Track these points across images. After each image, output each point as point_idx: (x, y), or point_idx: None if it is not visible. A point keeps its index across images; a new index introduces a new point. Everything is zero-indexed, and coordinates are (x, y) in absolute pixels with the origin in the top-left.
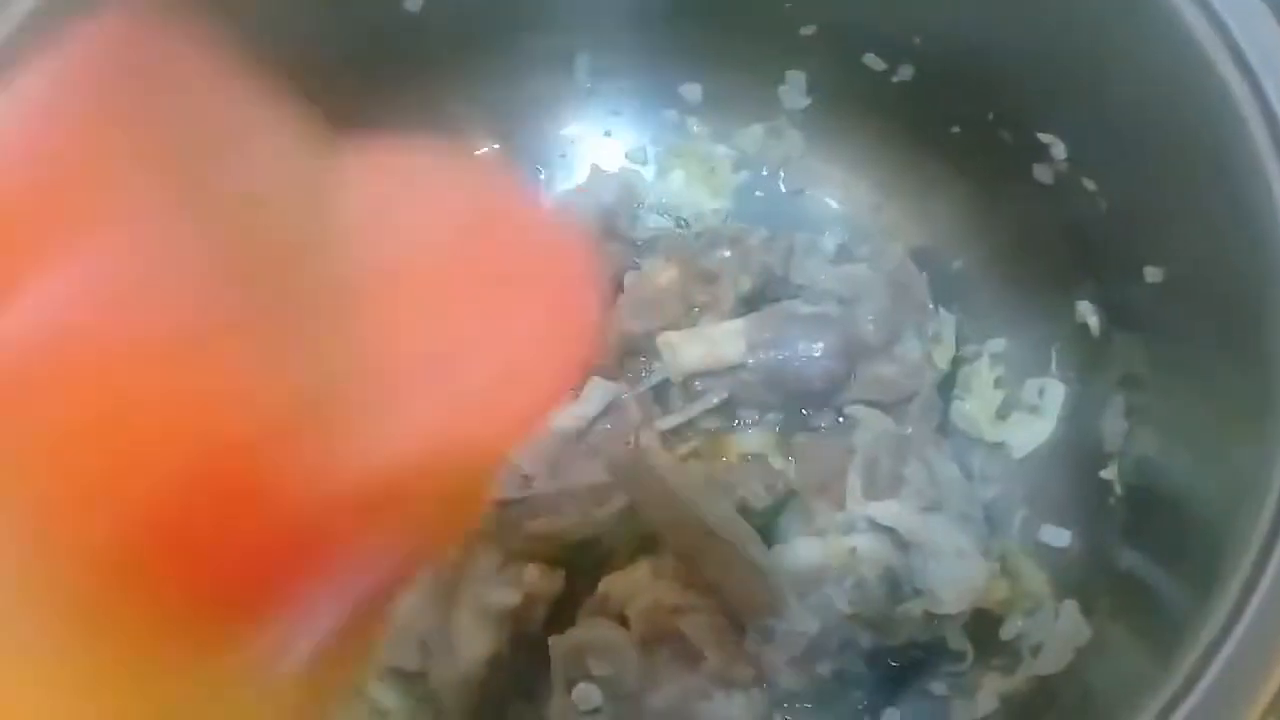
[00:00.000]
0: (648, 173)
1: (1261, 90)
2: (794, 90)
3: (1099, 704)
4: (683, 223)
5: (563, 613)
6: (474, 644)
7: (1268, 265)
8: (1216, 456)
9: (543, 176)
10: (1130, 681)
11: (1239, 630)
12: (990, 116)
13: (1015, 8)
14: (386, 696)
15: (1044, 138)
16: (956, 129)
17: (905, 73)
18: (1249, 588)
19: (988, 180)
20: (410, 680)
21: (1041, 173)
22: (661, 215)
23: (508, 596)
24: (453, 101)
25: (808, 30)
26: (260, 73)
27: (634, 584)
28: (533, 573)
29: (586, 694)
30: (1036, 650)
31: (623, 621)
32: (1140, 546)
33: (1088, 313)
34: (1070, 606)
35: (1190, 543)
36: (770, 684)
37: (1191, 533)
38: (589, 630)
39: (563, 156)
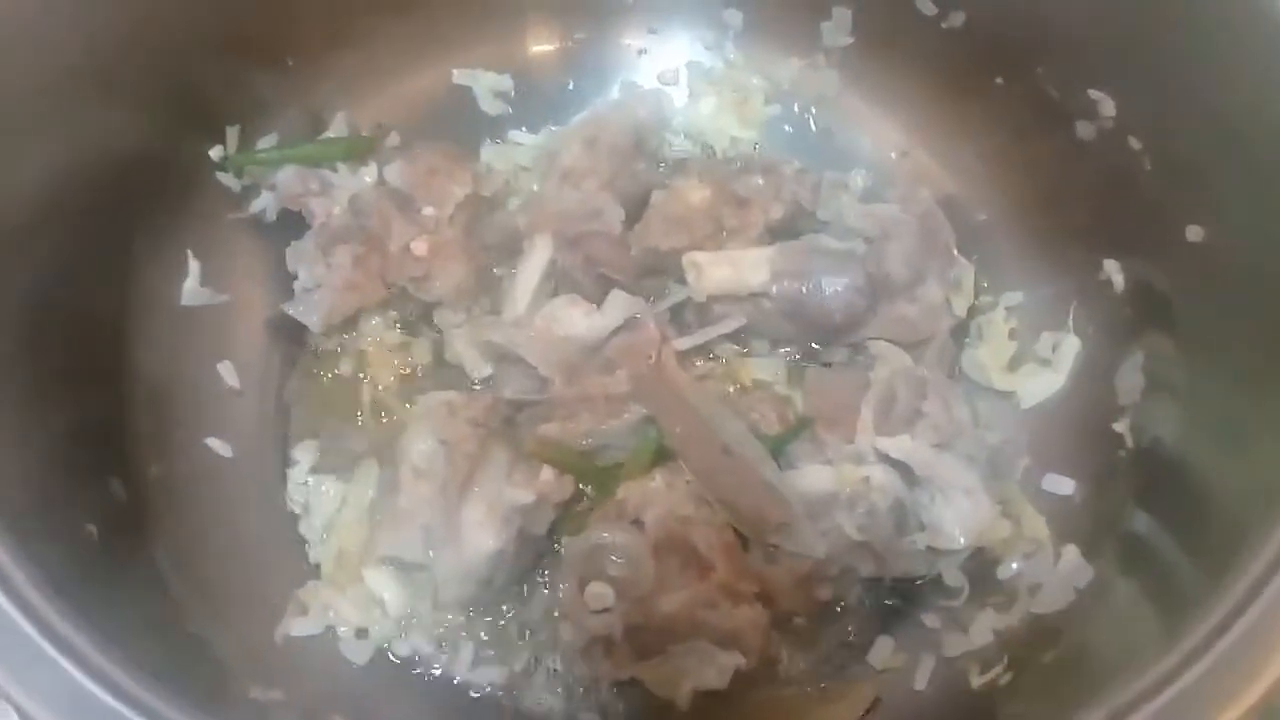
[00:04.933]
0: (678, 95)
1: None
2: (838, 27)
3: (1101, 655)
4: (709, 149)
5: (565, 520)
6: (482, 538)
7: None
8: (1240, 437)
9: (571, 87)
10: (1133, 641)
11: (1247, 619)
12: (1039, 70)
13: None
14: (383, 584)
15: (1093, 94)
16: (1000, 80)
17: (956, 19)
18: (1263, 579)
19: (1024, 134)
20: (408, 570)
21: (1084, 129)
22: (689, 140)
23: (521, 495)
24: None
25: None
26: None
27: (650, 492)
28: (547, 474)
29: (600, 594)
30: (1034, 590)
31: (637, 528)
32: (1152, 511)
33: (1113, 270)
34: (1072, 550)
35: (1207, 520)
36: (772, 602)
37: (1209, 510)
38: (607, 531)
39: (595, 70)
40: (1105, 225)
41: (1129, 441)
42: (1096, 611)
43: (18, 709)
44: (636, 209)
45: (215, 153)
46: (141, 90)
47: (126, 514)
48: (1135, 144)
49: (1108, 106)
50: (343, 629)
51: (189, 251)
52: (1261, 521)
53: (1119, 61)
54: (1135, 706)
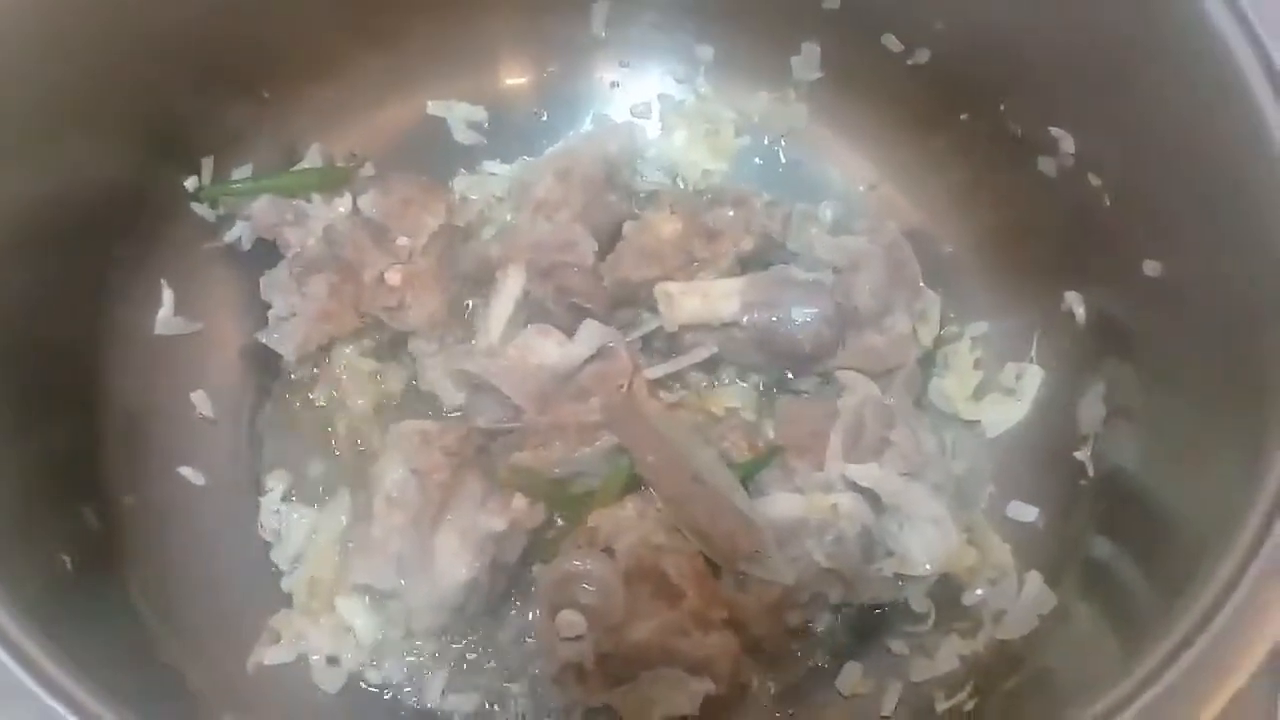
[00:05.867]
0: (650, 128)
1: None
2: (807, 62)
3: (1061, 679)
4: (681, 181)
5: (536, 547)
6: (455, 567)
7: (1271, 266)
8: (1198, 463)
9: (545, 119)
10: (1092, 665)
11: (1202, 642)
12: (1002, 107)
13: (1044, 3)
14: (355, 613)
15: (1055, 132)
16: (965, 116)
17: (922, 56)
18: (1218, 604)
19: (988, 169)
20: (380, 599)
21: (1046, 165)
22: (660, 171)
23: (495, 523)
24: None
25: (831, 3)
26: None
27: (622, 521)
28: (519, 502)
29: (571, 621)
30: (999, 616)
31: (609, 556)
32: (1113, 537)
33: (1075, 302)
34: (1035, 577)
35: (1165, 546)
36: (742, 628)
37: (1167, 536)
38: (579, 560)
39: (568, 102)
40: (1067, 258)
41: (1090, 469)
42: (1058, 636)
43: None
44: (609, 240)
45: (190, 183)
46: (116, 120)
47: (100, 543)
48: (1095, 180)
49: (1068, 143)
50: (315, 657)
51: (163, 281)
52: (1217, 547)
53: (1079, 100)
54: None
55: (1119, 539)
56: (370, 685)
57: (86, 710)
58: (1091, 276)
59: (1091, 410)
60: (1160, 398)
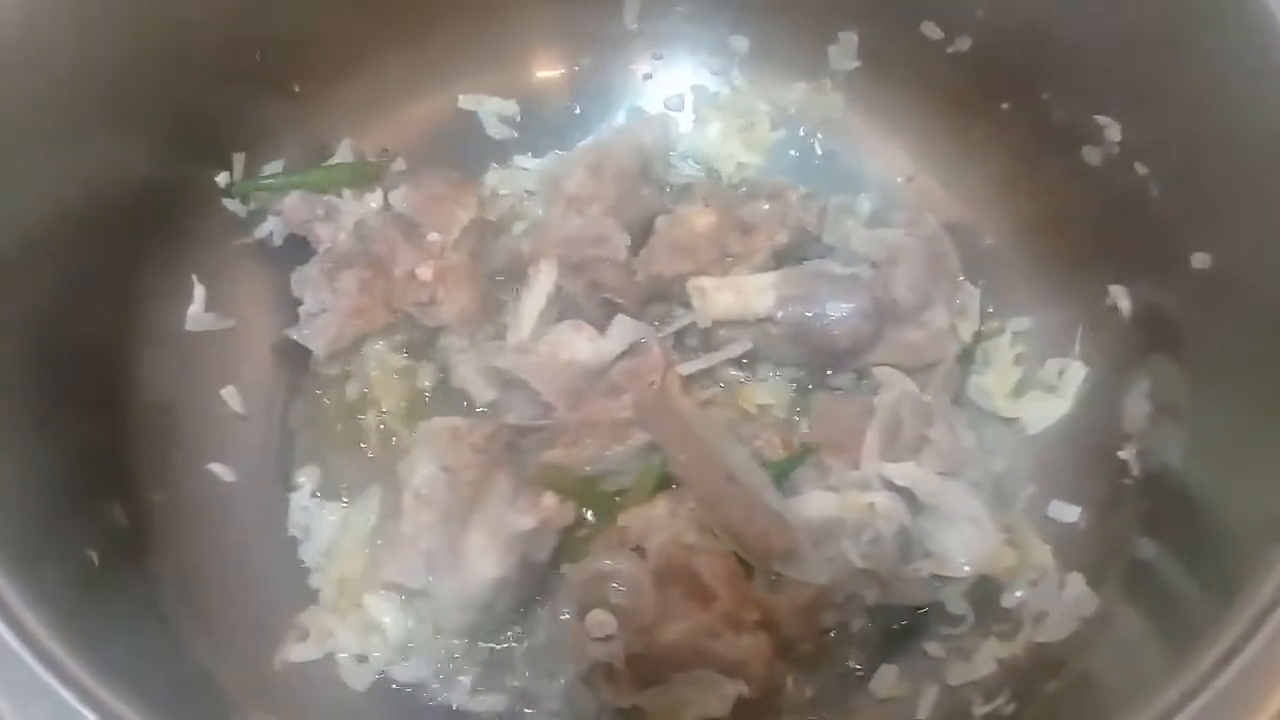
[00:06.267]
0: (684, 121)
1: None
2: (844, 51)
3: (1104, 685)
4: (715, 174)
5: (567, 546)
6: (484, 565)
7: None
8: (1247, 462)
9: (578, 112)
10: (1137, 671)
11: (1253, 648)
12: (1044, 96)
13: None
14: (383, 611)
15: (1100, 120)
16: (1006, 105)
17: (962, 44)
18: (1269, 608)
19: (1030, 159)
20: (409, 597)
21: (1090, 154)
22: (694, 164)
23: (524, 521)
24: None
25: None
26: None
27: (653, 520)
28: (550, 500)
29: (601, 621)
30: (1039, 618)
31: (639, 555)
32: (1158, 538)
33: (1120, 296)
34: (1076, 578)
35: (1213, 548)
36: (775, 629)
37: (1215, 538)
38: (609, 559)
39: (600, 95)
40: (1112, 251)
41: (1135, 469)
42: (1101, 641)
43: None
44: (641, 234)
45: (221, 179)
46: (148, 116)
47: (128, 540)
48: (1142, 170)
49: (1114, 132)
50: (343, 655)
51: (194, 276)
52: (1268, 550)
53: (1126, 88)
54: None
55: (1165, 540)
56: (398, 684)
57: (106, 708)
58: (1137, 269)
59: (1136, 407)
60: (1208, 395)
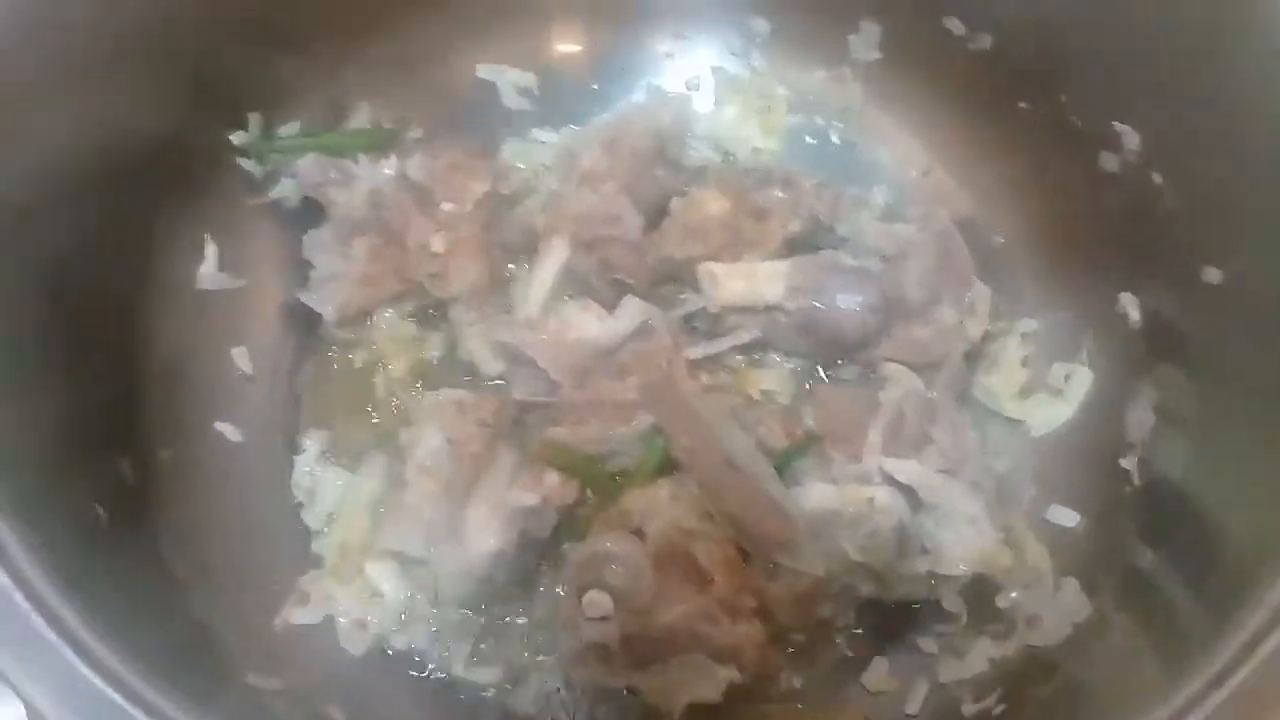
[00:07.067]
0: (702, 102)
1: None
2: (866, 41)
3: (1097, 694)
4: (730, 158)
5: (569, 524)
6: (484, 537)
7: None
8: (1252, 478)
9: (596, 87)
10: (1131, 682)
11: (1249, 667)
12: (1063, 98)
13: None
14: (383, 578)
15: (1118, 126)
16: (1024, 105)
17: (984, 41)
18: (1267, 628)
19: (1046, 161)
20: (409, 565)
21: (1107, 160)
22: (710, 147)
23: (526, 497)
24: None
25: None
26: None
27: (654, 502)
28: (552, 478)
29: (598, 601)
30: (1032, 621)
31: (639, 538)
32: (1157, 549)
33: (1129, 304)
34: (1071, 583)
35: (1213, 562)
36: (770, 617)
37: (1215, 552)
38: (608, 540)
39: (620, 71)
40: (1123, 258)
41: (1136, 478)
42: (1094, 649)
43: (16, 690)
44: (654, 215)
45: (237, 138)
46: (164, 72)
47: (134, 496)
48: (1157, 179)
49: (1132, 140)
50: (342, 620)
51: (207, 235)
52: (1268, 568)
53: (1145, 96)
54: None
55: (1164, 552)
56: (395, 650)
57: (105, 666)
58: (1148, 278)
59: (1141, 416)
60: (1214, 408)
